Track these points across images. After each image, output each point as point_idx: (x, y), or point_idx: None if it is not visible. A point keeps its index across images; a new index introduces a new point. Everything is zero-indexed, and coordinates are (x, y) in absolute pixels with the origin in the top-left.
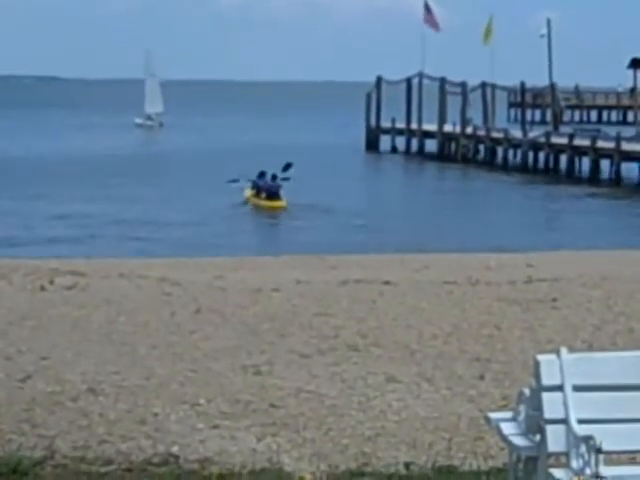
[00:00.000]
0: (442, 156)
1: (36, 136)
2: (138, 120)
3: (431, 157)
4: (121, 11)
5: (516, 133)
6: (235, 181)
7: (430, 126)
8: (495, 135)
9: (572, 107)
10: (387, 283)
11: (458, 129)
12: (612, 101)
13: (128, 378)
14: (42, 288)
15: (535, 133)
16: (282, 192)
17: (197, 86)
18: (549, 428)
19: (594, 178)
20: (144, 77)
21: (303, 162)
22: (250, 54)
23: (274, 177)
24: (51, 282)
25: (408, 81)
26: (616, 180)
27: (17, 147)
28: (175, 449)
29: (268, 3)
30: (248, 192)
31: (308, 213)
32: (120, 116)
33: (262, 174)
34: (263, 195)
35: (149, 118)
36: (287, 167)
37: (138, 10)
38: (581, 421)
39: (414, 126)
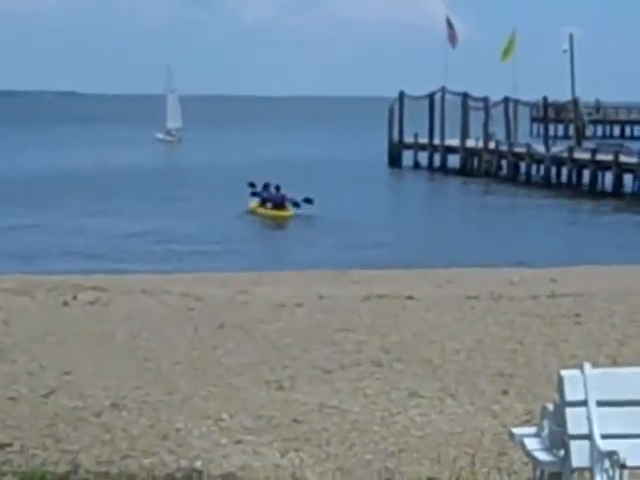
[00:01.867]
0: (465, 171)
1: (57, 151)
2: (159, 135)
3: (454, 172)
4: (146, 27)
5: (539, 148)
6: (253, 187)
7: (453, 141)
8: (518, 150)
9: (595, 122)
10: (410, 298)
11: (481, 144)
12: (635, 116)
13: (151, 393)
14: (65, 304)
15: (558, 148)
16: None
17: (220, 101)
18: (573, 443)
19: (617, 193)
20: (165, 93)
21: (325, 177)
22: (274, 69)
23: (277, 188)
24: (74, 298)
25: (431, 96)
26: (639, 195)
27: (39, 162)
28: (198, 464)
29: (292, 19)
30: (253, 203)
31: (331, 227)
32: (142, 131)
33: (266, 186)
34: (269, 205)
35: (169, 133)
36: (308, 201)
37: (162, 26)
38: (605, 436)
39: (437, 141)
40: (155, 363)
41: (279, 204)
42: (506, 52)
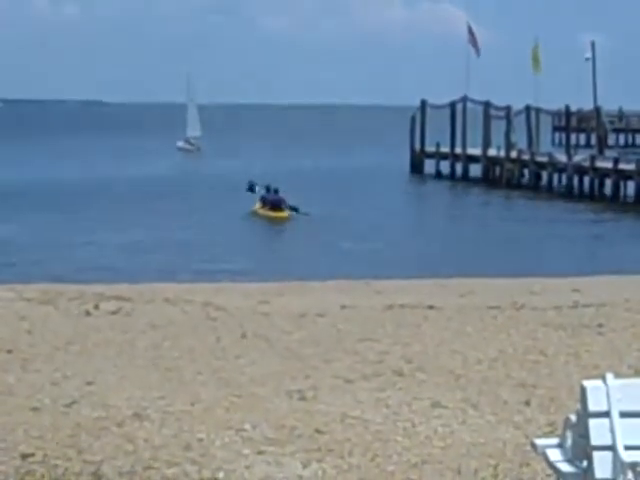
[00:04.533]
0: (486, 180)
1: (79, 160)
2: (180, 144)
3: (475, 181)
4: (167, 36)
5: (561, 157)
6: (253, 188)
7: (474, 150)
8: (539, 159)
9: (617, 131)
10: (431, 308)
11: (502, 153)
12: None
13: (173, 403)
14: (87, 313)
15: (580, 157)
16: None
17: (242, 109)
18: (596, 455)
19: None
20: (185, 102)
21: (346, 185)
22: (296, 78)
23: (276, 191)
24: (96, 307)
25: (452, 105)
26: None
27: (62, 170)
28: (221, 475)
29: (315, 28)
30: (256, 205)
31: (351, 237)
32: (162, 140)
33: (268, 188)
34: (267, 207)
35: (188, 142)
36: (251, 189)
37: (185, 35)
38: (628, 447)
39: (458, 150)
40: (177, 373)
41: (277, 206)
42: (536, 63)
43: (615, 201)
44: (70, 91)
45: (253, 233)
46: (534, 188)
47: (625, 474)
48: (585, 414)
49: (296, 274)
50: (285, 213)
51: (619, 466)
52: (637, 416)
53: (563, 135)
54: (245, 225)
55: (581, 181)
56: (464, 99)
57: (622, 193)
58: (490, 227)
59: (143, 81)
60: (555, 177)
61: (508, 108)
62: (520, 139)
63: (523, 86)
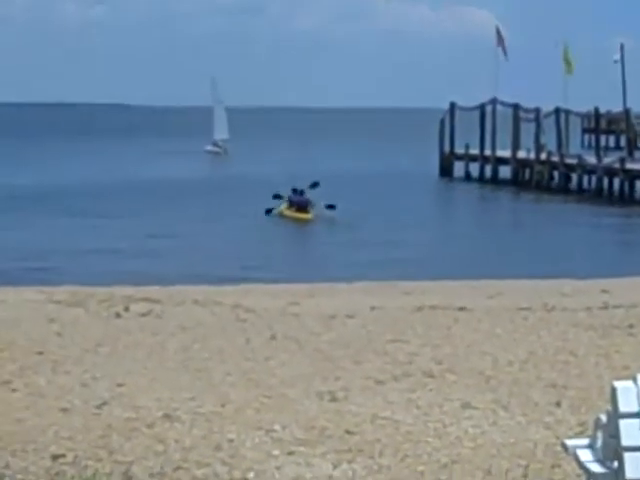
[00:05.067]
0: (516, 182)
1: (107, 162)
2: (207, 147)
3: (505, 183)
4: (193, 38)
5: (590, 159)
6: (315, 185)
7: (504, 152)
8: (569, 161)
9: None
10: (462, 309)
11: (532, 155)
12: None
13: (203, 404)
14: (117, 315)
15: (609, 159)
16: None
17: (268, 113)
18: (627, 455)
19: None
20: (212, 104)
21: (375, 187)
22: (323, 80)
23: (301, 192)
24: (126, 309)
25: (481, 107)
26: None
27: (89, 173)
28: (251, 475)
29: (341, 29)
30: (283, 206)
31: (379, 238)
32: (189, 143)
33: (295, 190)
34: (294, 208)
35: (216, 145)
36: (314, 185)
37: (210, 37)
38: None
39: (488, 152)
40: (207, 374)
41: (302, 207)
42: (568, 65)
43: None
44: (96, 94)
45: (280, 235)
46: (564, 190)
47: None
48: (616, 415)
49: (324, 275)
50: (310, 214)
51: None
52: None
53: (592, 137)
54: (272, 226)
55: (611, 183)
56: (493, 101)
57: None
58: (519, 229)
59: (169, 84)
60: (585, 179)
61: (537, 110)
62: (549, 141)
63: (552, 88)
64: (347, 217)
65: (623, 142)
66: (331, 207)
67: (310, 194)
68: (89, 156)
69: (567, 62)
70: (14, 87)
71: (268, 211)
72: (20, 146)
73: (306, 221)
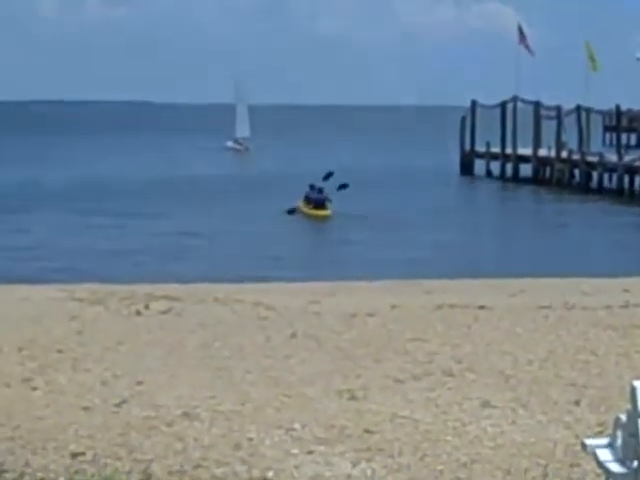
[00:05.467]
0: (537, 180)
1: (132, 158)
2: (229, 143)
3: (526, 181)
4: (217, 37)
5: (611, 157)
6: (345, 187)
7: (525, 150)
8: (590, 159)
9: None
10: (482, 308)
11: (553, 153)
12: None
13: (223, 403)
14: (138, 313)
15: (630, 157)
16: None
17: (291, 110)
18: None
19: None
20: (234, 102)
21: (397, 184)
22: (345, 78)
23: (320, 190)
24: (146, 307)
25: (503, 105)
26: None
27: (112, 169)
28: (270, 474)
29: (365, 27)
30: (300, 203)
31: (401, 236)
32: (212, 140)
33: (312, 187)
34: (311, 205)
35: (237, 142)
36: (328, 176)
37: (234, 35)
38: None
39: (509, 150)
40: (227, 372)
41: (320, 204)
42: (593, 62)
43: None
44: (119, 91)
45: (301, 233)
46: (584, 188)
47: None
48: (635, 414)
49: (345, 274)
50: (328, 211)
51: None
52: None
53: (614, 135)
54: (292, 225)
55: (632, 181)
56: (514, 99)
57: None
58: (540, 227)
59: (193, 82)
60: (606, 177)
61: (559, 108)
62: (570, 139)
63: (574, 85)
64: (365, 212)
65: None
66: (343, 186)
67: (325, 185)
68: (110, 152)
69: (592, 59)
70: (40, 85)
71: (290, 211)
72: (50, 143)
73: (324, 218)
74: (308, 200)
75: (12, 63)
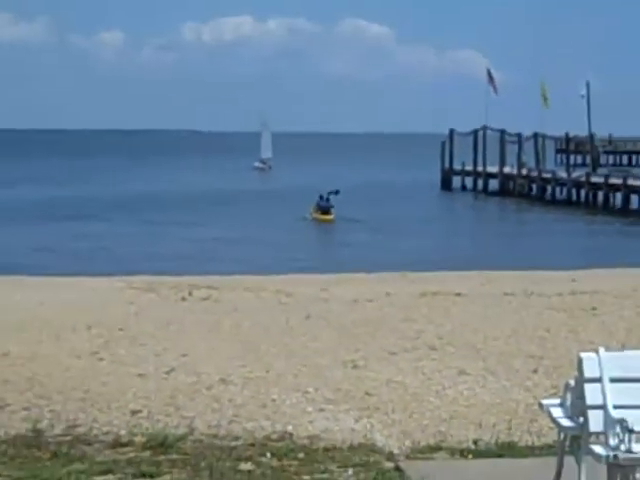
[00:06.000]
0: (503, 193)
1: (177, 175)
2: (256, 163)
3: (493, 194)
4: (246, 76)
5: (562, 174)
6: (337, 193)
7: (492, 168)
8: (545, 175)
9: (607, 152)
10: (458, 295)
11: (515, 171)
12: None
13: (252, 371)
14: (183, 299)
15: (577, 174)
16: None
17: (306, 136)
18: (590, 412)
19: (625, 210)
20: (260, 130)
21: (390, 196)
22: (350, 110)
23: (327, 199)
24: (190, 294)
25: (475, 133)
26: None
27: (163, 184)
28: (289, 428)
29: (363, 69)
30: (312, 210)
31: (392, 236)
32: (242, 160)
33: (321, 197)
34: (320, 212)
35: (262, 162)
36: (336, 193)
37: (260, 74)
38: (616, 407)
39: (480, 169)
40: (255, 346)
41: (326, 211)
42: (545, 100)
43: (606, 208)
44: (171, 122)
45: (312, 235)
46: (540, 199)
47: (614, 428)
48: (581, 380)
49: (347, 268)
50: (331, 216)
51: (609, 421)
52: (624, 381)
53: (564, 156)
54: (306, 229)
55: (578, 193)
56: (484, 128)
57: (612, 202)
58: (504, 230)
59: (228, 113)
60: (557, 190)
61: (519, 135)
62: (529, 159)
63: (532, 116)
64: (363, 218)
65: (588, 160)
66: (335, 192)
67: (332, 199)
68: (164, 172)
69: (544, 97)
70: (105, 116)
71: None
72: (126, 164)
73: (329, 221)
74: (317, 207)
75: (83, 98)
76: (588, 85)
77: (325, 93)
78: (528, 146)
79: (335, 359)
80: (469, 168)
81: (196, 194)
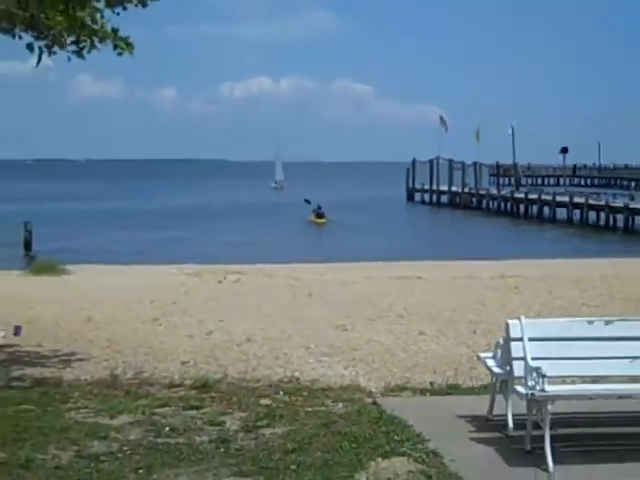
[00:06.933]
0: (451, 205)
1: (210, 193)
2: (272, 184)
3: (445, 205)
4: (266, 118)
5: (494, 191)
6: (308, 202)
7: (444, 187)
8: (482, 192)
9: (527, 176)
10: (420, 278)
11: (460, 189)
12: (551, 172)
13: (269, 333)
14: (219, 282)
15: (505, 191)
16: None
17: (311, 165)
18: (515, 362)
19: (540, 217)
20: (274, 159)
21: (367, 207)
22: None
23: (319, 207)
24: (224, 278)
25: (431, 161)
26: (553, 219)
27: (201, 199)
28: (297, 374)
29: (348, 116)
30: (312, 215)
31: (370, 235)
32: (261, 182)
33: (319, 206)
34: (316, 217)
35: (277, 182)
36: (307, 202)
37: (275, 117)
38: (534, 358)
39: (435, 187)
40: (272, 316)
41: (321, 216)
42: (477, 137)
43: (525, 217)
44: (210, 153)
45: (312, 235)
46: (478, 209)
47: (532, 374)
48: (508, 339)
49: (337, 258)
50: (324, 220)
51: (528, 369)
52: (539, 340)
53: (495, 179)
54: (307, 231)
55: (506, 205)
56: (437, 158)
57: (530, 212)
58: (453, 231)
59: (251, 147)
60: (491, 203)
61: (463, 163)
62: (470, 181)
63: (472, 150)
64: (350, 222)
65: (513, 182)
66: (307, 201)
67: (315, 206)
68: (202, 190)
69: (477, 136)
70: (168, 149)
71: (306, 201)
72: (181, 182)
73: (322, 224)
74: (315, 213)
75: (147, 137)
76: (513, 128)
77: (322, 134)
78: (469, 171)
79: (330, 324)
80: (427, 187)
81: (225, 206)
